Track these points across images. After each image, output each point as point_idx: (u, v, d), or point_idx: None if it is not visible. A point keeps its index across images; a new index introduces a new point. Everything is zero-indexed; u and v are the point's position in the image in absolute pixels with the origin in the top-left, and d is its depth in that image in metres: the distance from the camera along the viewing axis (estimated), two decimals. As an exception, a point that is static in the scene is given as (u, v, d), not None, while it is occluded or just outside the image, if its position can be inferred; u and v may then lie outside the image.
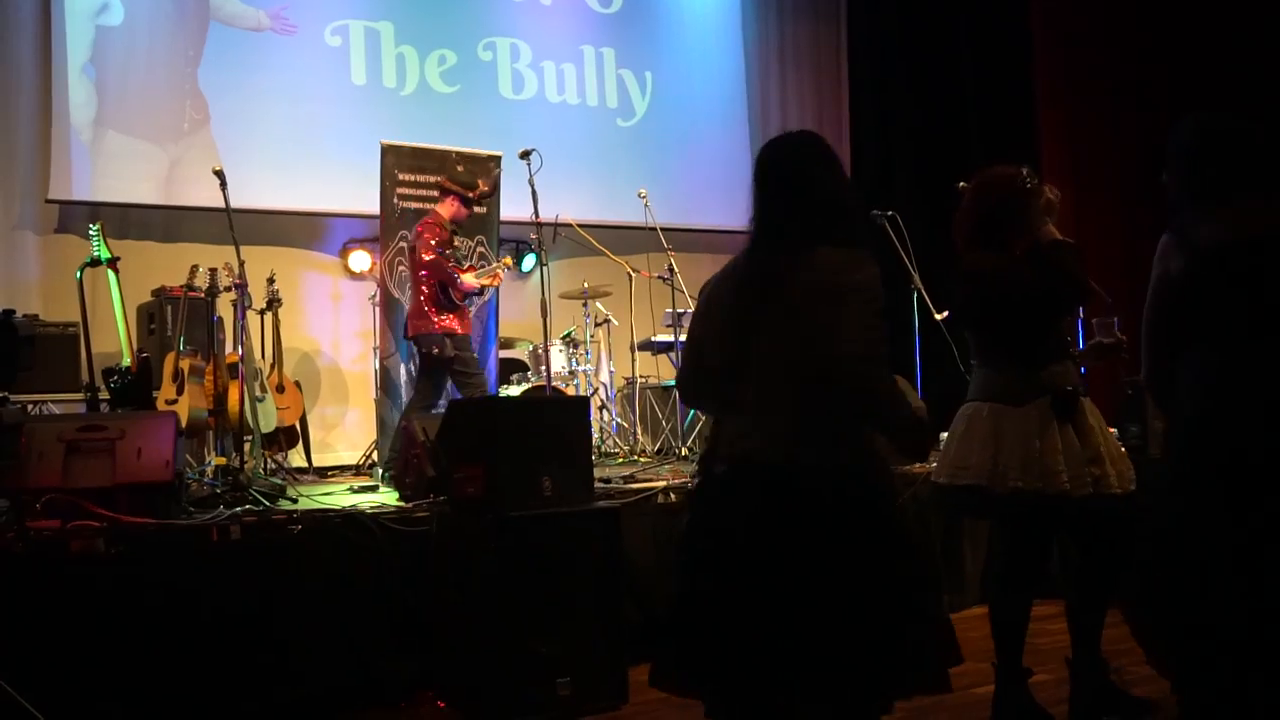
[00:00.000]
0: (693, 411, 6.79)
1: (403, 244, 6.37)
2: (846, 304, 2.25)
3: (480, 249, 6.63)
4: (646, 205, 7.10)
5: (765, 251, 2.41)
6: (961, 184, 5.88)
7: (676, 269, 7.18)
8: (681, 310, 7.10)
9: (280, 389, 6.66)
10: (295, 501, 4.60)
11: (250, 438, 5.73)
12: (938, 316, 6.86)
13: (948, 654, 2.33)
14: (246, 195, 6.75)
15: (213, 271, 6.00)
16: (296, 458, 6.89)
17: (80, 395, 5.65)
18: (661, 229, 7.17)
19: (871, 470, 2.34)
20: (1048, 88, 9.39)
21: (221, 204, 5.30)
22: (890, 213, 7.16)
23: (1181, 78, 8.04)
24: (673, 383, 6.52)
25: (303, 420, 6.85)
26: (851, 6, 9.67)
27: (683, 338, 6.42)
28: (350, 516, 4.21)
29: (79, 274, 5.48)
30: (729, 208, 8.13)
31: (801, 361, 2.28)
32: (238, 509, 4.19)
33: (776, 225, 2.41)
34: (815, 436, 2.27)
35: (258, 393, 6.33)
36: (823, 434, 2.27)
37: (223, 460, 5.20)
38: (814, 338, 2.26)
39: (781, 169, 2.46)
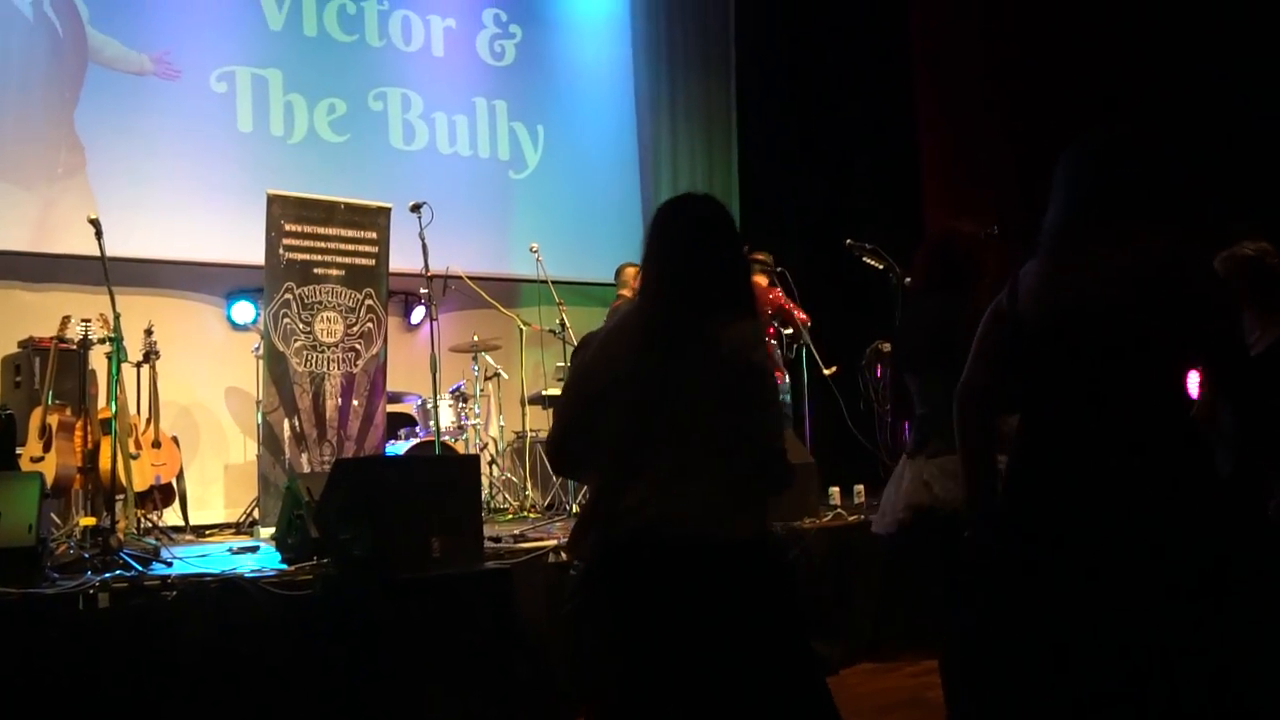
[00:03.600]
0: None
1: (288, 295, 6.22)
2: (765, 389, 2.34)
3: (368, 301, 6.51)
4: (539, 260, 7.09)
5: (673, 314, 2.38)
6: (849, 241, 6.06)
7: (567, 322, 7.16)
8: (573, 364, 7.07)
9: (156, 444, 6.41)
10: (170, 565, 4.40)
11: (123, 496, 5.50)
12: (826, 372, 6.98)
13: None
14: (125, 243, 6.53)
15: (86, 323, 5.77)
16: (173, 516, 6.63)
17: (-64, 453, 5.35)
18: (553, 282, 7.16)
19: (776, 538, 2.43)
20: (932, 146, 9.68)
21: (97, 252, 5.11)
22: (780, 269, 7.29)
23: (1065, 132, 8.33)
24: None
25: (180, 477, 6.61)
26: (740, 62, 9.87)
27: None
28: (228, 581, 4.04)
29: (-61, 325, 5.22)
30: (620, 261, 8.19)
31: (719, 433, 2.29)
32: (107, 575, 3.98)
33: (684, 289, 2.39)
34: (730, 506, 2.28)
35: (131, 449, 6.09)
36: (736, 503, 2.29)
37: (92, 520, 4.96)
38: (732, 412, 2.29)
39: (669, 234, 2.47)
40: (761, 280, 7.27)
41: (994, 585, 2.62)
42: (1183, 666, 2.27)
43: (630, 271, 7.10)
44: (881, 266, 5.85)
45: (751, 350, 2.32)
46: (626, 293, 7.04)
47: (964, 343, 3.22)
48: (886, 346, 6.82)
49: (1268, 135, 7.32)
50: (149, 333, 6.45)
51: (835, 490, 6.46)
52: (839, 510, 6.02)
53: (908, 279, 5.39)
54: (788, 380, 7.26)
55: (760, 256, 7.27)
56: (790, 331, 7.15)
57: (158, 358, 6.46)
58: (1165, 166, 2.57)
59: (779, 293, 7.25)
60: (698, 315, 2.35)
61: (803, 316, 7.20)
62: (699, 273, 2.40)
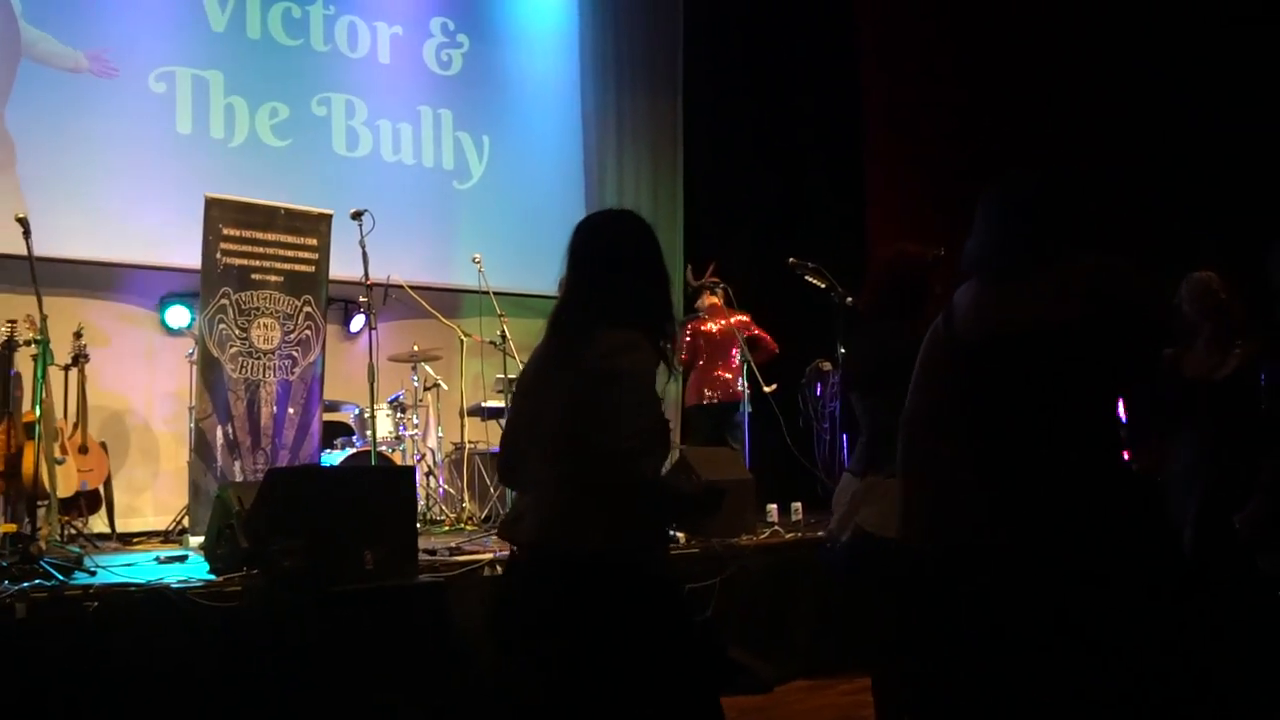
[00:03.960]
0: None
1: (224, 300, 6.11)
2: (622, 391, 2.23)
3: (307, 308, 6.42)
4: (481, 270, 7.04)
5: (560, 331, 2.44)
6: (792, 259, 6.09)
7: (508, 334, 7.12)
8: (513, 376, 7.03)
9: (83, 450, 6.26)
10: (93, 574, 4.29)
11: (46, 503, 5.35)
12: (767, 389, 7.00)
13: None
14: (56, 243, 6.38)
15: (12, 324, 5.62)
16: (100, 523, 6.47)
17: None
18: (494, 293, 7.12)
19: (632, 552, 2.27)
20: (878, 162, 9.80)
21: (24, 252, 4.98)
22: (723, 286, 7.32)
23: (1011, 149, 8.51)
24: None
25: (107, 483, 6.45)
26: (688, 76, 9.89)
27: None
28: (153, 591, 3.94)
29: None
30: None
31: (567, 444, 2.28)
32: (25, 584, 3.85)
33: (571, 305, 2.44)
34: (572, 519, 2.25)
35: (57, 454, 5.94)
36: (581, 517, 2.24)
37: (12, 527, 4.82)
38: (582, 422, 2.25)
39: (582, 249, 2.50)
40: (716, 301, 7.33)
41: (936, 607, 2.65)
42: (1130, 680, 2.30)
43: None
44: (824, 285, 5.88)
45: (611, 356, 2.26)
46: None
47: (913, 367, 3.25)
48: (827, 365, 6.87)
49: (1207, 136, 7.58)
50: (78, 335, 6.30)
51: (773, 507, 6.47)
52: (776, 527, 6.03)
53: (849, 299, 5.44)
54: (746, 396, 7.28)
55: (715, 280, 7.37)
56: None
57: (87, 361, 6.31)
58: (1094, 195, 2.66)
59: (747, 316, 7.32)
60: (585, 330, 2.34)
61: (773, 345, 7.30)
62: (587, 288, 2.42)
